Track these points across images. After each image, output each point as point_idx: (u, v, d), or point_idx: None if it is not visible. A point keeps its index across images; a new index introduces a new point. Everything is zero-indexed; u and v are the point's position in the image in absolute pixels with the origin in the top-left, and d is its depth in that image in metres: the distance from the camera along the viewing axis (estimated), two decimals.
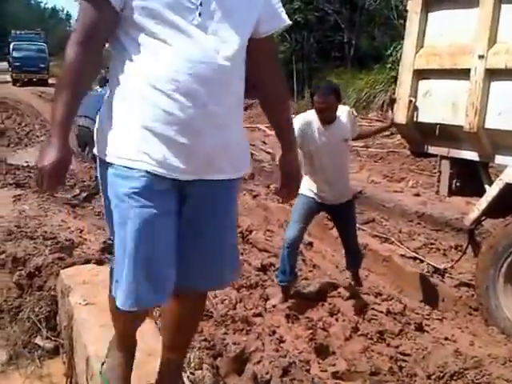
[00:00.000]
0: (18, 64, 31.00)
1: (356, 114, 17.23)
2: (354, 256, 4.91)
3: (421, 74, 4.71)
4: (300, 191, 3.28)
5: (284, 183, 2.34)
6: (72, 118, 1.89)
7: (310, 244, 6.37)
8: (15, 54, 31.38)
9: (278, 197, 2.79)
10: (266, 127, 16.32)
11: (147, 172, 1.85)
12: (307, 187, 4.51)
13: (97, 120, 2.01)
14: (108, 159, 1.92)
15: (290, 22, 2.12)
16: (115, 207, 1.91)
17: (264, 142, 13.75)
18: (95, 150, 2.01)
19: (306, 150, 4.43)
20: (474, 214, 4.54)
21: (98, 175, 2.05)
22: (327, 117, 4.37)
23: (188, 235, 2.01)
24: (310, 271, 5.36)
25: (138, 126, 1.85)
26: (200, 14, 1.81)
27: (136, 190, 1.85)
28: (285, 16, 2.08)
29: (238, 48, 1.92)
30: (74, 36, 1.84)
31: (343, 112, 4.49)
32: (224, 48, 1.87)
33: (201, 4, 1.81)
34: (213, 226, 2.06)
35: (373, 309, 4.50)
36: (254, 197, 8.28)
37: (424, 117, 4.71)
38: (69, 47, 1.83)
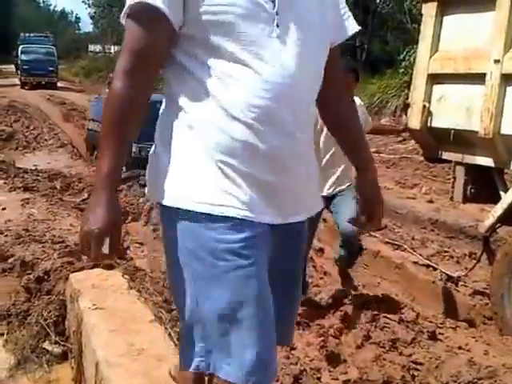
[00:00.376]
0: (26, 67, 31.16)
1: None
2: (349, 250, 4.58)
3: (435, 79, 4.70)
4: None
5: (364, 209, 1.93)
6: (120, 169, 1.56)
7: (321, 250, 6.36)
8: (24, 57, 31.55)
9: (355, 226, 2.28)
10: None
11: (238, 219, 1.52)
12: None
13: (150, 158, 1.69)
14: (181, 205, 1.54)
15: (359, 27, 1.85)
16: (209, 265, 1.53)
17: None
18: (153, 194, 1.67)
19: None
20: (488, 221, 4.51)
21: (163, 225, 1.71)
22: None
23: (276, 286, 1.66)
24: (321, 278, 5.36)
25: (215, 161, 1.52)
26: (278, 25, 1.51)
27: (235, 245, 1.51)
28: (353, 21, 1.81)
29: (319, 62, 1.67)
30: (121, 65, 1.52)
31: (357, 101, 4.37)
32: (306, 64, 1.57)
33: (277, 13, 1.52)
34: (292, 271, 1.82)
35: (385, 317, 4.48)
36: None
37: (438, 122, 4.69)
38: (115, 79, 1.52)
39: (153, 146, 1.70)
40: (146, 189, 1.72)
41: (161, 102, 1.69)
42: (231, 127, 1.51)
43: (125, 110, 1.51)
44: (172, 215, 1.58)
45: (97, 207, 1.48)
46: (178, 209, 1.55)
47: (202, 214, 1.51)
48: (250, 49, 1.49)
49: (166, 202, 1.58)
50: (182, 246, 1.58)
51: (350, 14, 1.81)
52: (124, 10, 1.56)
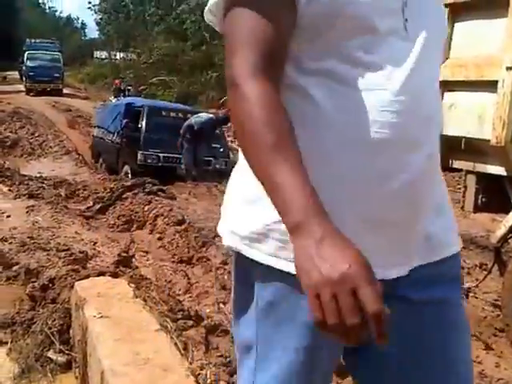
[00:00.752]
0: (32, 73, 31.31)
1: None
2: None
3: (446, 86, 4.69)
4: None
5: None
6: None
7: None
8: (29, 64, 31.73)
9: None
10: None
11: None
12: None
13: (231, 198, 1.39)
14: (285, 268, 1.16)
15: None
16: None
17: None
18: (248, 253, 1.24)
19: None
20: (500, 231, 4.50)
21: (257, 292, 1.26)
22: None
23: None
24: None
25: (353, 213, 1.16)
26: (406, 20, 1.17)
27: None
28: None
29: (438, 69, 1.36)
30: (243, 67, 1.10)
31: None
32: (433, 69, 1.28)
33: (406, 3, 1.17)
34: (440, 347, 1.29)
35: None
36: None
37: (449, 130, 4.69)
38: (238, 90, 1.11)
39: None
40: None
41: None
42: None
43: (274, 120, 1.04)
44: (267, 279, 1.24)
45: (333, 248, 0.91)
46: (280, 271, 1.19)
47: None
48: (384, 55, 1.15)
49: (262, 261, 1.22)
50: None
51: None
52: None
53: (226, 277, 5.29)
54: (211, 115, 11.04)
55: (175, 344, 2.90)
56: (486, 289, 5.34)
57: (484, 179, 4.72)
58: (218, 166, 11.00)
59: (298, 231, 0.95)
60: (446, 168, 5.12)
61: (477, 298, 5.30)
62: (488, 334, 4.75)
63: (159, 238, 6.45)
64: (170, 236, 6.64)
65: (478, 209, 4.86)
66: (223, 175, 10.91)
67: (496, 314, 4.94)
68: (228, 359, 3.27)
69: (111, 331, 2.92)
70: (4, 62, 37.34)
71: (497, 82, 4.21)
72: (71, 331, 3.46)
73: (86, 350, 3.02)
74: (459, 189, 7.98)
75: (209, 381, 2.80)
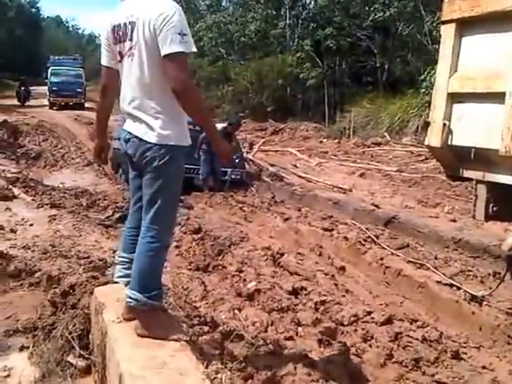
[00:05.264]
0: (55, 88, 31.63)
1: (389, 138, 17.07)
2: None
3: (455, 98, 4.67)
4: None
5: None
6: None
7: (343, 268, 6.32)
8: (53, 79, 32.01)
9: None
10: (298, 151, 16.36)
11: None
12: None
13: None
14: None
15: None
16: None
17: (295, 166, 13.77)
18: None
19: None
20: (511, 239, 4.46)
21: None
22: None
23: None
24: (343, 296, 5.32)
25: None
26: None
27: None
28: None
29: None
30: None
31: None
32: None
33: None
34: None
35: (408, 335, 4.43)
36: (285, 220, 8.27)
37: (459, 140, 4.66)
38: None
39: None
40: None
41: None
42: None
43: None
44: None
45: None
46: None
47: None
48: None
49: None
50: None
51: None
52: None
53: (241, 284, 5.29)
54: (224, 124, 11.08)
55: (191, 349, 2.89)
56: (499, 297, 5.29)
57: (494, 188, 4.68)
58: (233, 177, 11.01)
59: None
60: (457, 177, 5.10)
61: (490, 306, 5.25)
62: (501, 342, 4.70)
63: (176, 246, 6.45)
64: (186, 244, 6.65)
65: (488, 217, 4.81)
66: (239, 185, 10.93)
67: (509, 322, 4.88)
68: (243, 364, 3.26)
69: (129, 336, 2.93)
70: (29, 77, 37.66)
71: (504, 93, 4.19)
72: (91, 336, 3.46)
73: (104, 354, 3.03)
74: (471, 199, 7.93)
75: None
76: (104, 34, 3.14)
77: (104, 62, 3.22)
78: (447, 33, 4.72)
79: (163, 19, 2.73)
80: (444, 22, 4.79)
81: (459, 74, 4.65)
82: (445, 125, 4.70)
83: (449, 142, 4.73)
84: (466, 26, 4.62)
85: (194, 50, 2.83)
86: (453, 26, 4.64)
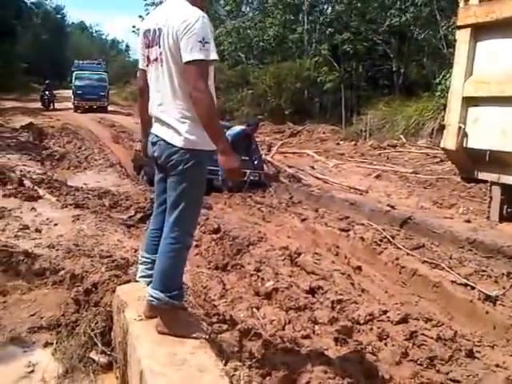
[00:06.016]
0: (79, 92, 31.84)
1: (405, 140, 17.00)
2: None
3: (470, 101, 4.65)
4: None
5: None
6: None
7: (359, 268, 6.30)
8: (77, 83, 32.21)
9: None
10: (315, 153, 16.32)
11: None
12: None
13: None
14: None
15: None
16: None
17: (312, 167, 13.74)
18: None
19: None
20: None
21: None
22: None
23: None
24: (359, 295, 5.29)
25: None
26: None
27: None
28: None
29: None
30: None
31: None
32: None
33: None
34: None
35: (423, 334, 4.40)
36: (303, 220, 8.25)
37: (474, 143, 4.64)
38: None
39: None
40: None
41: None
42: None
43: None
44: None
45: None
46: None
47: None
48: None
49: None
50: None
51: None
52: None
53: (259, 284, 5.28)
54: (243, 127, 11.08)
55: (211, 346, 2.89)
56: None
57: (509, 190, 4.65)
58: (252, 178, 11.00)
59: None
60: (472, 179, 5.06)
61: (504, 305, 5.20)
62: None
63: (196, 246, 6.46)
64: (206, 244, 6.66)
65: (503, 218, 4.78)
66: (257, 186, 10.92)
67: None
68: (261, 362, 3.26)
69: (150, 333, 2.94)
70: (54, 81, 38.00)
71: None
72: (112, 333, 3.48)
73: (126, 351, 3.04)
74: (486, 200, 7.86)
75: (242, 382, 2.78)
76: (139, 39, 3.19)
77: (140, 65, 3.24)
78: (462, 38, 4.70)
79: (185, 27, 2.75)
80: (459, 27, 4.77)
81: (474, 78, 4.62)
82: (460, 128, 4.67)
83: (464, 145, 4.70)
84: (481, 31, 4.60)
85: (215, 57, 2.80)
86: (468, 31, 4.62)
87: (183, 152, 2.88)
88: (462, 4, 5.00)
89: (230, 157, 2.82)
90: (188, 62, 2.75)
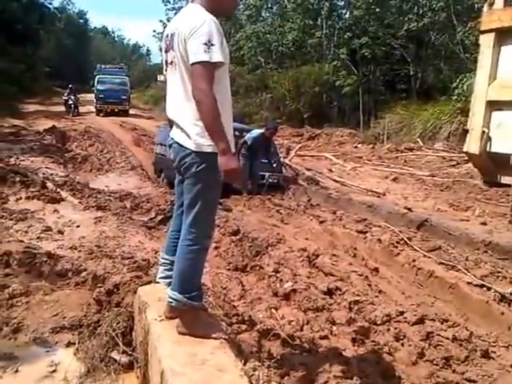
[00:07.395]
0: (101, 96, 32.05)
1: (422, 143, 16.90)
2: None
3: (493, 106, 4.60)
4: None
5: None
6: None
7: (376, 270, 6.26)
8: (99, 87, 32.42)
9: None
10: (333, 156, 16.27)
11: None
12: None
13: None
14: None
15: None
16: None
17: (330, 170, 13.70)
18: None
19: None
20: None
21: None
22: None
23: None
24: (376, 296, 5.26)
25: None
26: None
27: None
28: None
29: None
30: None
31: None
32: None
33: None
34: None
35: (439, 335, 4.37)
36: (321, 222, 8.22)
37: (497, 147, 4.59)
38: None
39: None
40: None
41: None
42: None
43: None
44: None
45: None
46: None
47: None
48: None
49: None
50: None
51: None
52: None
53: (278, 285, 5.27)
54: (262, 130, 11.08)
55: (230, 346, 2.89)
56: None
57: None
58: (271, 181, 11.00)
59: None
60: (495, 183, 5.00)
61: None
62: None
63: (216, 247, 6.47)
64: (225, 245, 6.67)
65: None
66: (276, 189, 10.91)
67: None
68: (279, 362, 3.25)
69: (171, 333, 2.94)
70: (77, 85, 38.30)
71: None
72: (134, 333, 3.49)
73: (147, 351, 3.05)
74: (502, 202, 7.77)
75: (261, 382, 2.77)
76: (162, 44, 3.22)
77: (163, 69, 3.25)
78: (486, 42, 4.65)
79: (191, 30, 2.76)
80: (483, 32, 4.71)
81: (498, 83, 4.57)
82: (484, 132, 4.62)
83: (487, 149, 4.65)
84: (505, 35, 4.54)
85: (220, 59, 2.76)
86: (492, 35, 4.57)
87: (195, 155, 2.89)
88: (485, 9, 4.93)
89: (230, 158, 2.76)
90: (193, 64, 2.76)
